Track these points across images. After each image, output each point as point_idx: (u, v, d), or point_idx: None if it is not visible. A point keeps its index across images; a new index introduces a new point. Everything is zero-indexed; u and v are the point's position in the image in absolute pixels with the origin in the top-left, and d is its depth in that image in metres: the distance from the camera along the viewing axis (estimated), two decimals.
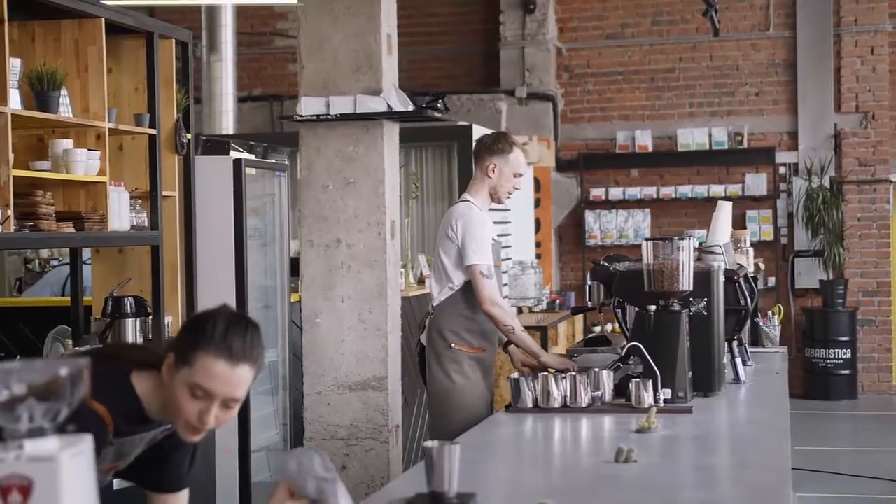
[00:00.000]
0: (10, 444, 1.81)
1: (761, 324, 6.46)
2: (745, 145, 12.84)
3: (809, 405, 12.08)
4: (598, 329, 10.86)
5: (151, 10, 13.14)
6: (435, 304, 5.37)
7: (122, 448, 2.81)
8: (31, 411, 1.83)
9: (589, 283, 5.14)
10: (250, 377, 2.70)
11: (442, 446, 2.77)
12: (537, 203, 12.53)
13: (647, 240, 4.53)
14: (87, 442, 1.85)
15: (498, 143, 5.39)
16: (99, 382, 2.71)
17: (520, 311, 10.71)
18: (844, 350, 12.35)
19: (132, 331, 5.55)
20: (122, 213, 5.45)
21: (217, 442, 5.88)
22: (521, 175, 5.41)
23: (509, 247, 10.82)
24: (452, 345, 5.27)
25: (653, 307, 4.46)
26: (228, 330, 2.65)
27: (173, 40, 5.99)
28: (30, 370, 1.84)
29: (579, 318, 11.13)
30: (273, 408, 6.92)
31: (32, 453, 1.80)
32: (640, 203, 13.00)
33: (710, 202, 10.69)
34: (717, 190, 12.70)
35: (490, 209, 5.38)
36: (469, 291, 5.20)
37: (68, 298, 6.02)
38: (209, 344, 2.63)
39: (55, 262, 8.75)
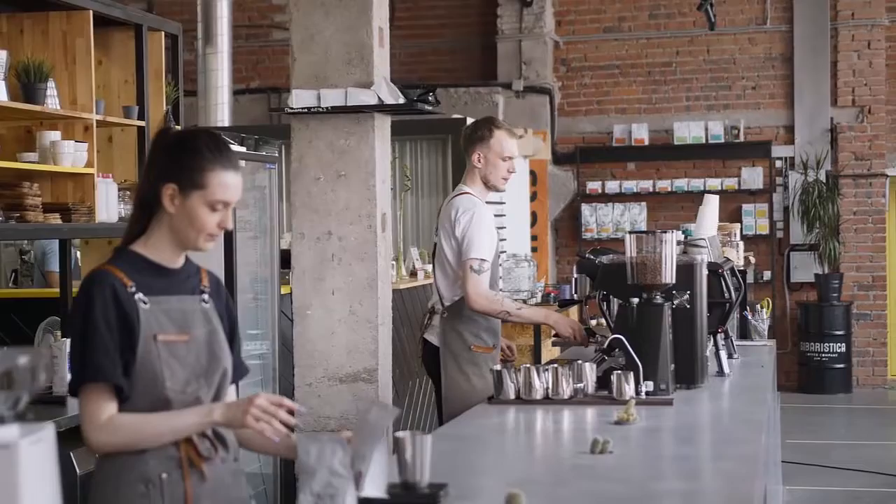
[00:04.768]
0: None
1: (750, 317, 6.46)
2: (742, 139, 12.84)
3: (804, 399, 12.11)
4: (594, 322, 10.85)
5: (150, 3, 13.18)
6: (447, 304, 5.29)
7: (170, 311, 2.89)
8: None
9: (575, 275, 5.14)
10: None
11: (413, 437, 2.79)
12: (533, 196, 12.54)
13: (630, 233, 4.54)
14: (48, 430, 1.87)
15: (477, 132, 5.30)
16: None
17: None
18: (839, 344, 12.36)
19: None
20: (109, 205, 5.47)
21: None
22: (509, 158, 5.28)
23: (504, 240, 10.83)
24: (472, 347, 5.20)
25: (635, 300, 4.47)
26: (217, 145, 2.90)
27: (163, 32, 6.00)
28: None
29: (574, 311, 11.14)
30: None
31: None
32: (636, 196, 13.00)
33: None
34: (714, 184, 12.69)
35: (487, 201, 5.32)
36: None
37: (58, 291, 6.03)
38: (215, 163, 2.86)
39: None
